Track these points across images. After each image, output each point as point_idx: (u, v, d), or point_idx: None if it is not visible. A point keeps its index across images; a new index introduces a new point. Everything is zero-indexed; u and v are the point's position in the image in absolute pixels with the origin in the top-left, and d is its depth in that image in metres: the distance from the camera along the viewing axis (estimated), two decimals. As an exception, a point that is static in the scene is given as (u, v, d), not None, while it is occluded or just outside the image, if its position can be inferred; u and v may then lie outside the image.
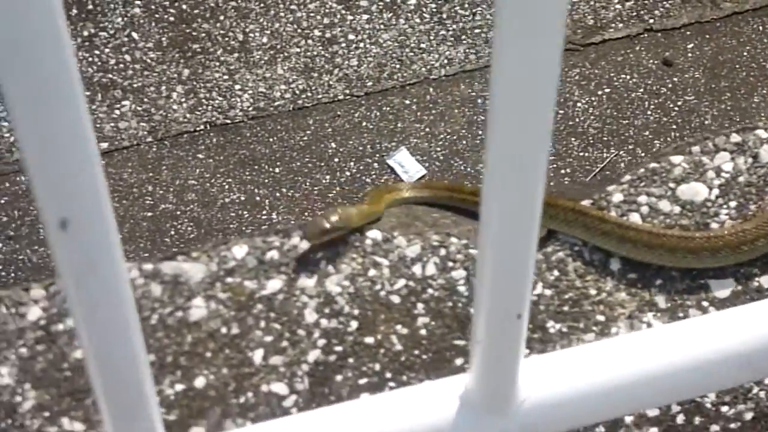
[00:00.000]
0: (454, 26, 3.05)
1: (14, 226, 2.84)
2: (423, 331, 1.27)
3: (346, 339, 1.27)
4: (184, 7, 3.09)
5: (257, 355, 1.26)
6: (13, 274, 2.75)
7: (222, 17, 3.09)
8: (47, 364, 1.25)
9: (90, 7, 3.09)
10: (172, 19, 3.10)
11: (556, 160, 2.87)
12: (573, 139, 2.92)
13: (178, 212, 2.89)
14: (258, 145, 2.95)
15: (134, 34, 3.07)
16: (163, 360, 1.25)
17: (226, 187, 2.92)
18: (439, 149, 2.90)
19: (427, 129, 2.93)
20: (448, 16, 3.07)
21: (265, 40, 3.05)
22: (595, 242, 1.31)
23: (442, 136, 2.92)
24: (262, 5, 3.10)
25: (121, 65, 3.03)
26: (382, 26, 3.05)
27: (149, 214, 2.89)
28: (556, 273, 1.31)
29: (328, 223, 1.29)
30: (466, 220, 1.41)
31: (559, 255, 1.32)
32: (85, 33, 3.08)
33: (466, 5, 3.09)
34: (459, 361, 1.26)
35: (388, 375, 1.25)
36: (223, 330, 1.26)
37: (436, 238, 1.33)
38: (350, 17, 3.07)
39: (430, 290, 1.29)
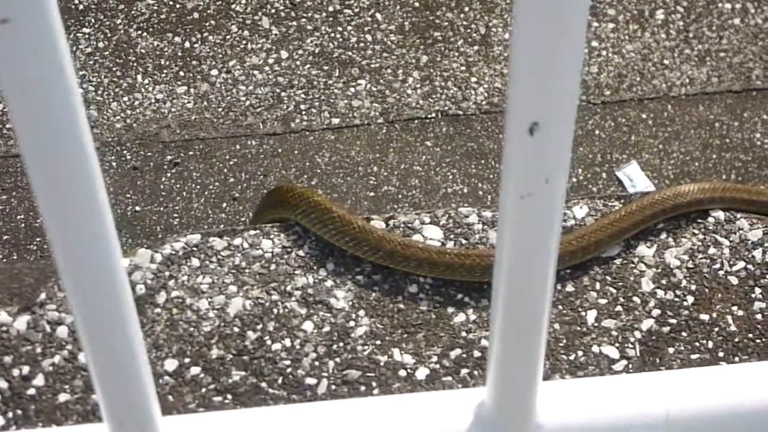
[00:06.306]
0: (700, 47, 3.01)
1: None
2: (759, 316, 1.24)
3: (681, 312, 1.25)
4: (431, -5, 3.11)
5: (590, 316, 1.24)
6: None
7: (467, 8, 3.10)
8: (382, 293, 1.25)
9: (338, -16, 3.13)
10: (417, 4, 3.11)
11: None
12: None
13: (400, 196, 2.90)
14: (487, 140, 2.94)
15: (378, 15, 3.10)
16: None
17: (450, 177, 2.92)
18: (670, 167, 2.86)
19: (661, 146, 2.89)
20: (695, 35, 3.03)
21: (507, 36, 3.05)
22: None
23: (674, 155, 2.88)
24: (508, 1, 3.10)
25: (362, 44, 3.06)
26: (626, 37, 3.02)
27: (371, 194, 2.90)
28: None
29: None
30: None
31: None
32: (330, 8, 3.11)
33: (714, 27, 3.04)
34: (794, 352, 1.23)
35: (720, 354, 1.22)
36: (558, 286, 1.25)
37: (780, 225, 1.30)
38: (596, 24, 3.05)
39: (769, 276, 1.27)
